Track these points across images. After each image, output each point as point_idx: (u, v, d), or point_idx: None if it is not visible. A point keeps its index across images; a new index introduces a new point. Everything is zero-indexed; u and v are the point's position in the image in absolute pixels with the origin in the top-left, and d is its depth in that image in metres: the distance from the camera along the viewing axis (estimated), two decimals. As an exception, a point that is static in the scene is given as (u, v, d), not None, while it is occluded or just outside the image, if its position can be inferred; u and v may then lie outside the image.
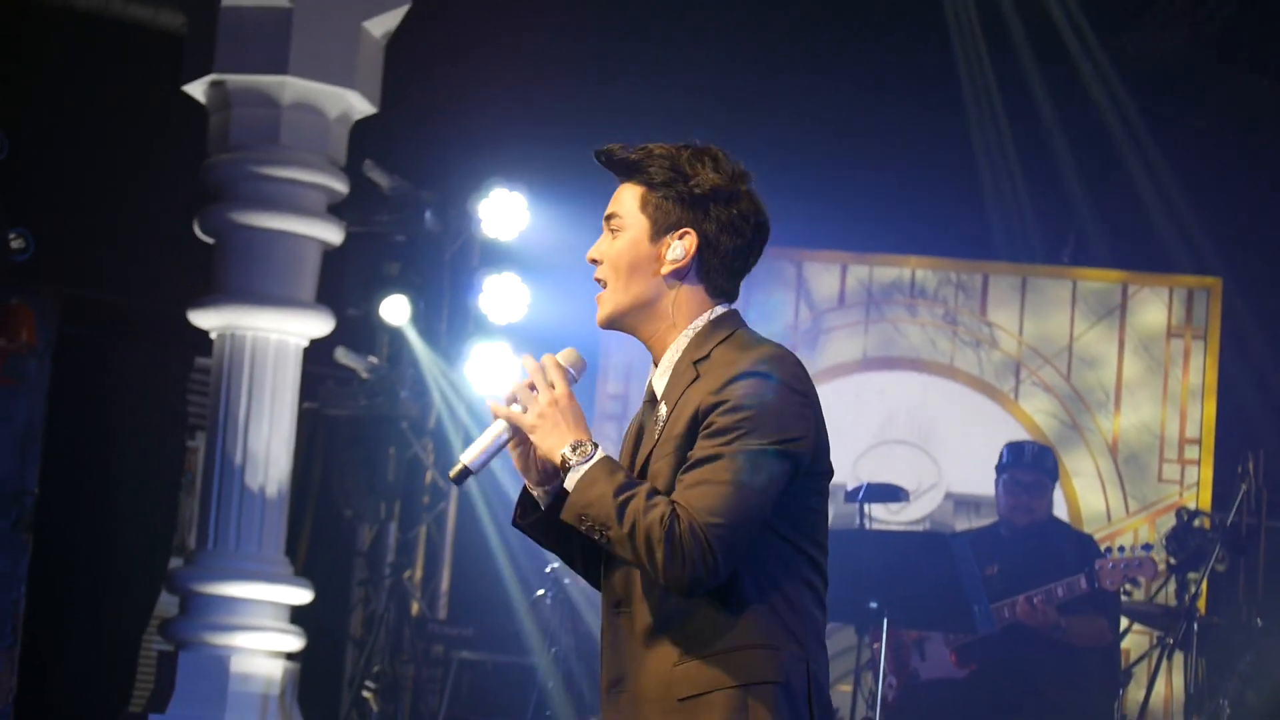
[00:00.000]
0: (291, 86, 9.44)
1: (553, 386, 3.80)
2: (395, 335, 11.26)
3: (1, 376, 10.17)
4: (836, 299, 11.62)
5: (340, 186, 9.72)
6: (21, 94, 9.25)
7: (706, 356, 3.84)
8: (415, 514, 11.62)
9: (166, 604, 10.48)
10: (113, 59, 10.73)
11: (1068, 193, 11.66)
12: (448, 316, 11.33)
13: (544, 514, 3.95)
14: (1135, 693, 9.87)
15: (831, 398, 11.45)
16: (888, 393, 11.55)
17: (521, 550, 10.77)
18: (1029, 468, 9.39)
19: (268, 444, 9.52)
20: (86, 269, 10.74)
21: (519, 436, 3.88)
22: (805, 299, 11.62)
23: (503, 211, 10.93)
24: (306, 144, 9.57)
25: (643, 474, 3.83)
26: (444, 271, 11.39)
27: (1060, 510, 10.55)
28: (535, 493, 3.96)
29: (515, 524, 4.01)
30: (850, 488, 9.27)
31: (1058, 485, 9.66)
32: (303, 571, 10.17)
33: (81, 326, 10.81)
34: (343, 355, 11.10)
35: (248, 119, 9.52)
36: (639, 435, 3.96)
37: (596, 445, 3.76)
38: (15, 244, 8.60)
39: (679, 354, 3.90)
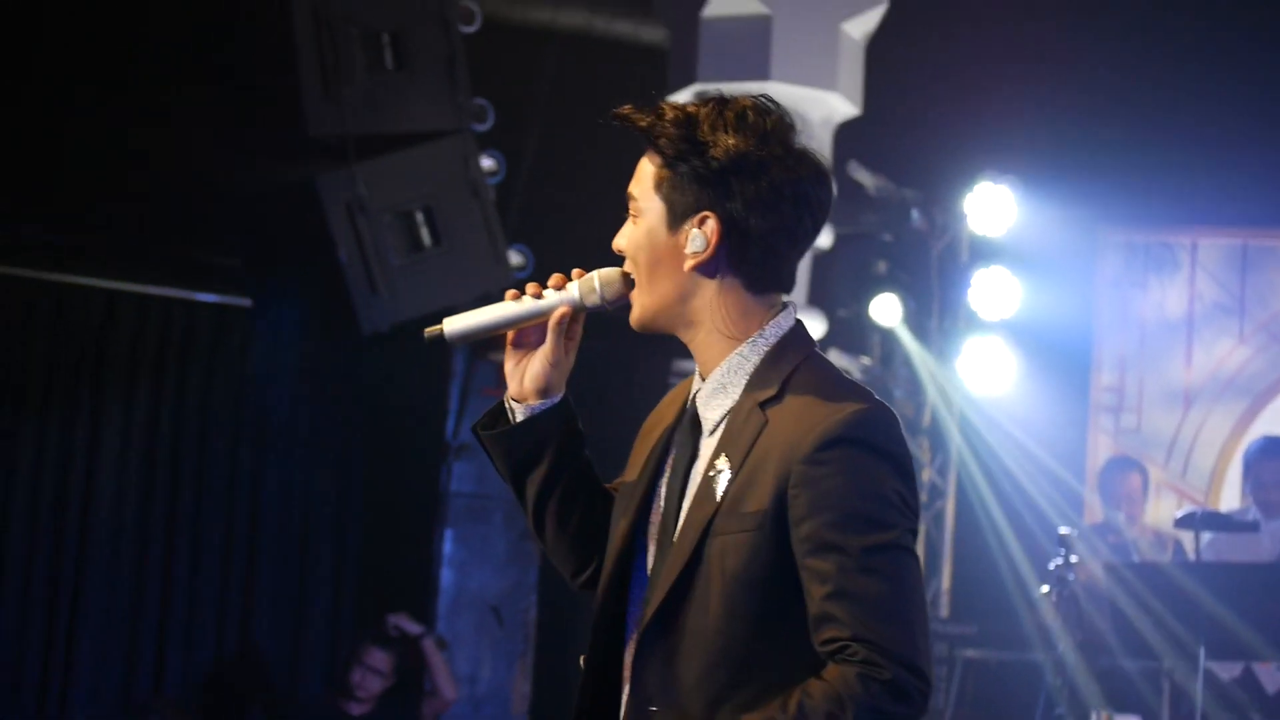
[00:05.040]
0: (774, 92, 9.48)
1: None
2: (886, 335, 11.24)
3: (486, 388, 10.49)
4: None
5: (826, 189, 9.74)
6: (515, 115, 9.47)
7: (777, 398, 3.12)
8: (913, 512, 11.57)
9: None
10: (599, 75, 10.97)
11: None
12: (938, 314, 11.25)
13: (515, 428, 3.38)
14: None
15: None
16: None
17: (1022, 547, 10.65)
18: None
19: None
20: (582, 282, 10.97)
21: (522, 336, 3.39)
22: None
23: (991, 206, 10.81)
24: (791, 149, 9.62)
25: (701, 542, 3.10)
26: (932, 269, 11.32)
27: None
28: (514, 405, 3.41)
29: (475, 430, 3.43)
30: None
31: None
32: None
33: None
34: (836, 357, 11.13)
35: (733, 127, 9.61)
36: (660, 458, 3.37)
37: None
38: (515, 261, 8.84)
39: (735, 378, 3.19)
